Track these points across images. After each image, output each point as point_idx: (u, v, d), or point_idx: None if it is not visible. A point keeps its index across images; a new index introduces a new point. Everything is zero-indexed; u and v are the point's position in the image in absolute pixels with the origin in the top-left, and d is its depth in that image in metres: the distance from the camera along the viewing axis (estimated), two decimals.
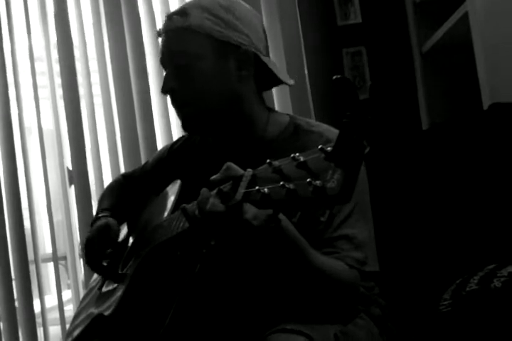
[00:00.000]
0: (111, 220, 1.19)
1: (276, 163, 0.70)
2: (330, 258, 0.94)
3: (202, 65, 1.07)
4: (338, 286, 0.94)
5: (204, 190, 0.83)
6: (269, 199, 0.68)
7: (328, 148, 0.65)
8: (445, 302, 0.95)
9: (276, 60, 2.01)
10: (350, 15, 2.04)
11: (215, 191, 0.81)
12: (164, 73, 1.13)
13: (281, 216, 0.83)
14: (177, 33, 1.08)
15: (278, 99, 2.02)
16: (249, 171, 0.75)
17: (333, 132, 1.04)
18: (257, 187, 0.70)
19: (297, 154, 0.68)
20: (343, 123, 0.63)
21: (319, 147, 0.66)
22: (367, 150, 0.62)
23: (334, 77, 0.64)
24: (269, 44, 1.97)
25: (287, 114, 1.16)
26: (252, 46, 1.08)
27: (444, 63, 1.90)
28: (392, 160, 1.53)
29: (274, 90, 2.00)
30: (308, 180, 0.64)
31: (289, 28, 2.03)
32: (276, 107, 2.00)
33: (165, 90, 1.10)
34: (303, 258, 0.88)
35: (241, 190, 0.74)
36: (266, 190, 0.69)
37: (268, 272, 0.94)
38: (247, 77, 1.08)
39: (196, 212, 0.83)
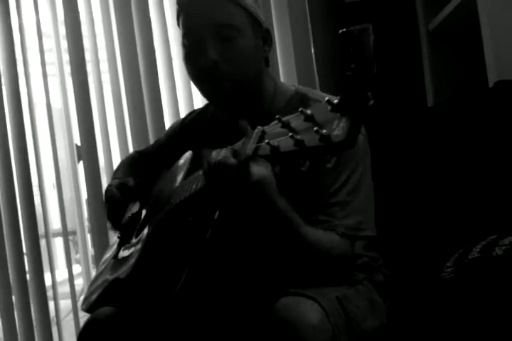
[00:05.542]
0: (125, 179, 1.23)
1: (285, 118, 0.73)
2: (320, 231, 0.98)
3: (245, 40, 1.06)
4: (329, 257, 0.98)
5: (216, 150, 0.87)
6: (278, 152, 0.71)
7: (335, 101, 0.68)
8: (448, 270, 0.98)
9: (282, 36, 2.03)
10: None
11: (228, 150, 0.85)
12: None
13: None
14: (220, 4, 1.05)
15: (284, 71, 2.04)
16: (259, 128, 0.78)
17: None
18: (266, 141, 0.73)
19: (305, 108, 0.71)
20: (348, 76, 0.65)
21: (326, 99, 0.69)
22: (371, 102, 0.65)
23: (340, 31, 0.66)
24: (276, 20, 2.02)
25: (292, 85, 1.18)
26: (265, 23, 1.12)
27: (450, 41, 1.91)
28: (398, 136, 1.55)
29: (280, 62, 2.02)
30: (315, 129, 0.67)
31: (295, 4, 2.02)
32: (282, 78, 2.02)
33: (207, 63, 1.05)
34: (293, 230, 0.94)
35: (251, 145, 0.76)
36: (275, 143, 0.72)
37: (264, 241, 0.98)
38: (268, 54, 1.12)
39: (208, 165, 0.87)
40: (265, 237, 0.97)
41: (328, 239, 0.98)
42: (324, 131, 0.66)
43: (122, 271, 1.07)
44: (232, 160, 0.84)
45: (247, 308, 1.06)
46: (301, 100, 1.10)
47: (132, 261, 1.06)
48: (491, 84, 1.48)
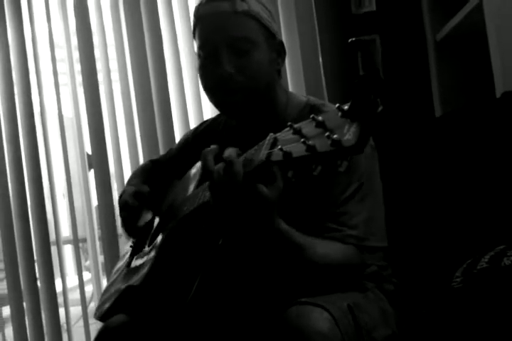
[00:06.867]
0: (140, 186, 1.24)
1: (296, 125, 0.75)
2: (325, 243, 0.98)
3: (260, 53, 1.09)
4: (335, 269, 0.99)
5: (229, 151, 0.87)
6: (290, 157, 0.73)
7: (345, 107, 0.69)
8: (457, 279, 0.99)
9: (291, 47, 2.05)
10: (364, 3, 2.06)
11: (240, 158, 0.86)
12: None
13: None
14: (237, 17, 1.07)
15: (292, 80, 2.06)
16: (271, 135, 0.80)
17: None
18: (279, 147, 0.75)
19: (316, 115, 0.72)
20: (358, 82, 0.67)
21: (337, 106, 0.70)
22: (380, 108, 0.67)
23: (350, 40, 0.68)
24: (284, 31, 2.05)
25: (304, 96, 1.20)
26: (280, 36, 1.15)
27: (458, 51, 1.92)
28: (405, 147, 1.56)
29: (288, 72, 2.04)
30: (326, 134, 0.69)
31: (303, 15, 2.04)
32: (290, 88, 2.04)
33: (222, 74, 1.07)
34: (299, 255, 0.94)
35: (264, 152, 0.78)
36: (287, 148, 0.73)
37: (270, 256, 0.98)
38: (281, 66, 1.15)
39: (221, 172, 0.86)
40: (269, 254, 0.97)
41: (339, 252, 0.99)
42: (335, 136, 0.68)
43: (136, 279, 1.09)
44: (248, 168, 0.83)
45: (258, 316, 1.07)
46: (310, 111, 1.11)
47: (146, 268, 1.08)
48: (498, 95, 1.49)
